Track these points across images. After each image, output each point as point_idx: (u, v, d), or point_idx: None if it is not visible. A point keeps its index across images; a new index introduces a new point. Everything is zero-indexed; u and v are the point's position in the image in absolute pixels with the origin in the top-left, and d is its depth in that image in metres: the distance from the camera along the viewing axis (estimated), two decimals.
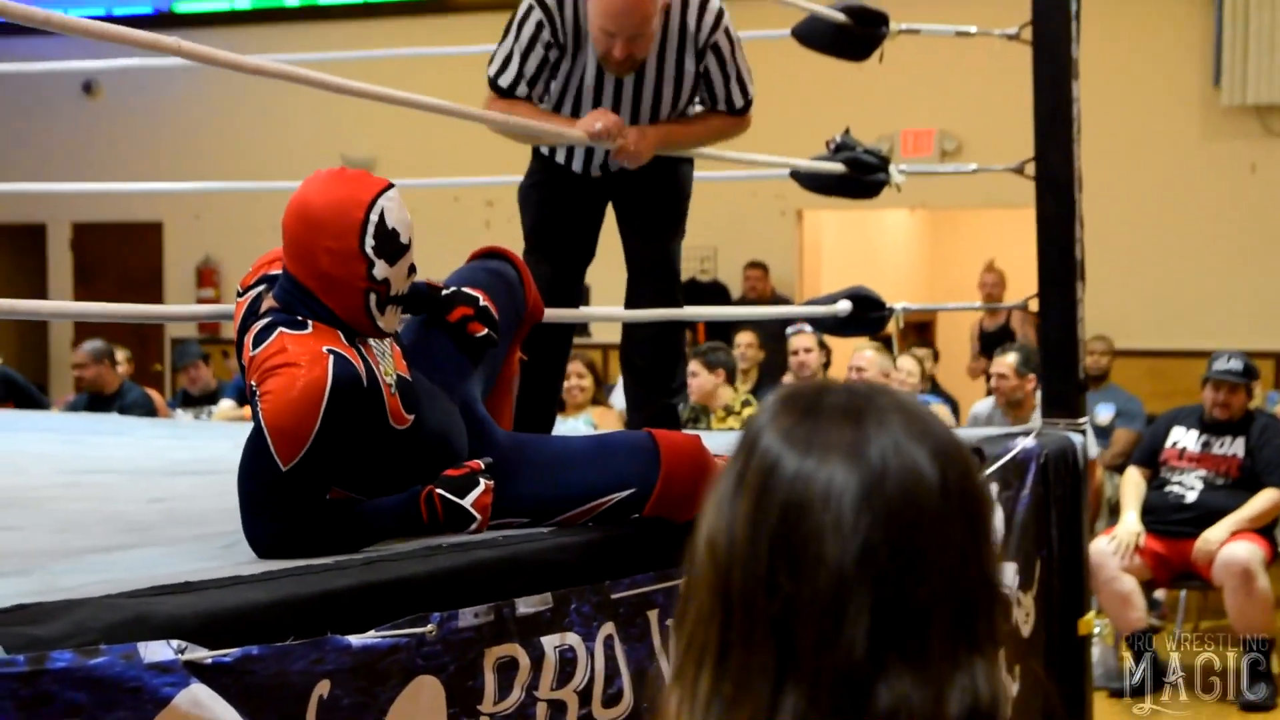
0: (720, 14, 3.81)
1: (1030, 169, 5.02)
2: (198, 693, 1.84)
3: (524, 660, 2.42)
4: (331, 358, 2.48)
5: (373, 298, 2.60)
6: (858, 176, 4.89)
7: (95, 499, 3.48)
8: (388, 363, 2.68)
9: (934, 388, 8.70)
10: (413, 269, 2.67)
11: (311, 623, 2.10)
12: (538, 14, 3.71)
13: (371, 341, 2.66)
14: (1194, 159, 10.85)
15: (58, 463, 4.32)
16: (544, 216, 4.03)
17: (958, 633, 1.04)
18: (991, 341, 9.15)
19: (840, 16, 4.91)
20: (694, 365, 6.90)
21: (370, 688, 2.13)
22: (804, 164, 5.03)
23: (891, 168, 4.93)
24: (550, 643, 2.48)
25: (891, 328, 5.45)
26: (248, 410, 7.49)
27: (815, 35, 5.06)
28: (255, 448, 2.50)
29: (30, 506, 3.35)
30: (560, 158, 4.01)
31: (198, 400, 8.56)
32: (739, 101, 3.92)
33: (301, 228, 2.58)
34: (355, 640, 2.12)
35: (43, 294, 13.22)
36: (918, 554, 1.03)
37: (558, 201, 4.03)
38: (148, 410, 8.18)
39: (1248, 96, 10.55)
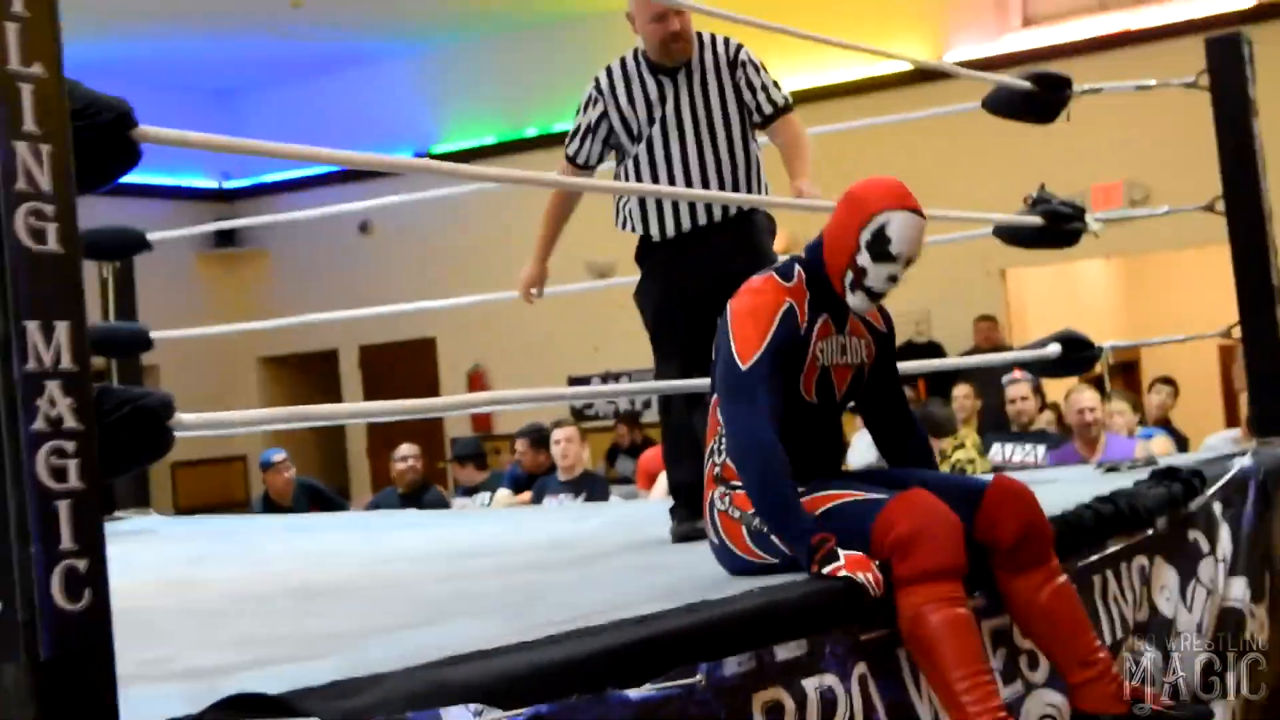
0: (733, 40, 4.03)
1: (1220, 206, 4.89)
2: None
3: (789, 703, 2.36)
4: (787, 304, 2.96)
5: (849, 274, 2.98)
6: (1057, 227, 4.85)
7: (390, 585, 3.55)
8: (831, 349, 3.05)
9: (1166, 424, 8.33)
10: (894, 279, 2.99)
11: (593, 679, 2.09)
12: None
13: (832, 339, 3.06)
14: None
15: (356, 557, 4.43)
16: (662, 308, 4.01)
17: None
18: None
19: (1026, 84, 4.87)
20: None
21: None
22: (1006, 218, 5.10)
23: (1088, 216, 4.87)
24: (810, 684, 2.41)
25: (1101, 366, 5.31)
26: (523, 496, 7.61)
27: (1005, 104, 5.05)
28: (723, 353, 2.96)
29: (333, 595, 3.45)
30: (655, 229, 3.99)
31: (473, 490, 8.66)
32: (782, 100, 4.01)
33: (844, 199, 3.04)
34: (633, 694, 2.11)
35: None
36: None
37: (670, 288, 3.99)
38: (443, 505, 8.36)
39: None
